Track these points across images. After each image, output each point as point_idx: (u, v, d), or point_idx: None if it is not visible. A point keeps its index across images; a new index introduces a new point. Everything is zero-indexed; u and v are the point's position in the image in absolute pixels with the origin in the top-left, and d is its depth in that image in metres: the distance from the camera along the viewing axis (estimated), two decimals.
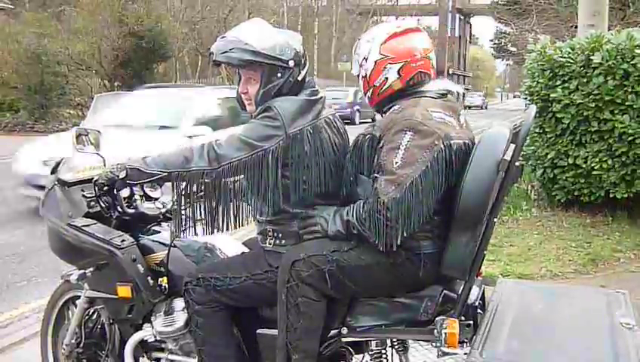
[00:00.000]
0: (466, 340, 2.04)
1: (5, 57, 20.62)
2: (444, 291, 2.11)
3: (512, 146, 2.01)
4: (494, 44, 46.01)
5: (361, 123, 23.58)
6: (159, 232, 2.72)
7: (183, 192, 2.23)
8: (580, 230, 6.37)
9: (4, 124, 19.97)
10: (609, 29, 7.57)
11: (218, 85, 27.64)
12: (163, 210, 2.81)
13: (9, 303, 4.81)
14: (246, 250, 2.58)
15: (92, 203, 2.69)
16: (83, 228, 2.56)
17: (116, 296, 2.55)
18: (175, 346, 2.56)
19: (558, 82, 6.53)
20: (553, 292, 2.57)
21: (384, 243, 1.98)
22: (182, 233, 2.32)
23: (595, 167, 6.35)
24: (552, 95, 6.52)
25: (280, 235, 2.28)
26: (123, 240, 2.52)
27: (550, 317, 2.10)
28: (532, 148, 7.05)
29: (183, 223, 2.30)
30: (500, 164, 1.94)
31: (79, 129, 2.76)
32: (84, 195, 2.72)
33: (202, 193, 2.24)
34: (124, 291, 2.51)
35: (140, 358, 2.69)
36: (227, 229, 2.35)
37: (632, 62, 6.05)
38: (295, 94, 2.27)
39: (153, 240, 2.66)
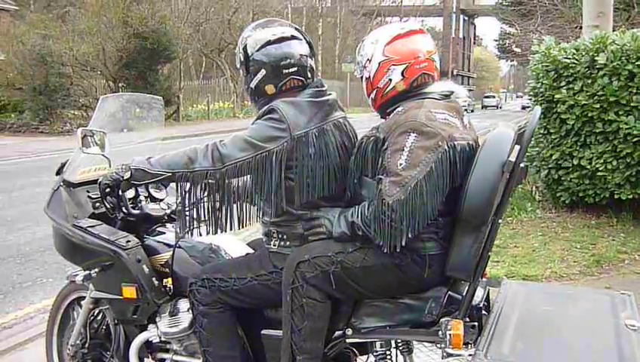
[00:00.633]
0: (470, 341, 2.03)
1: (10, 58, 20.73)
2: (449, 292, 2.10)
3: (517, 147, 2.01)
4: (498, 44, 45.88)
5: None
6: (164, 233, 2.73)
7: (187, 193, 2.23)
8: (584, 231, 6.35)
9: (9, 125, 20.06)
10: (614, 30, 7.55)
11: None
12: (168, 211, 2.82)
13: (14, 304, 4.83)
14: (250, 251, 2.59)
15: (97, 204, 2.70)
16: (88, 228, 2.57)
17: (121, 297, 2.56)
18: (180, 347, 2.56)
19: (563, 83, 6.52)
20: (558, 293, 2.56)
21: (389, 245, 1.98)
22: (186, 234, 2.32)
23: (600, 168, 6.33)
24: (556, 96, 6.51)
25: (284, 237, 2.28)
26: (128, 241, 2.53)
27: (555, 318, 2.09)
28: (536, 149, 7.04)
29: (188, 224, 2.30)
30: (505, 165, 1.93)
31: (85, 130, 2.77)
32: (89, 196, 2.73)
33: (206, 193, 2.24)
34: (129, 292, 2.52)
35: (145, 359, 2.70)
36: (231, 230, 2.36)
37: (636, 63, 6.03)
38: (297, 95, 2.27)
39: (158, 241, 2.67)
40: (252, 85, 2.33)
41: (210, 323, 2.32)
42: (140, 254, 2.54)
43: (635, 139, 6.09)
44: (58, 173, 2.80)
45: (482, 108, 53.14)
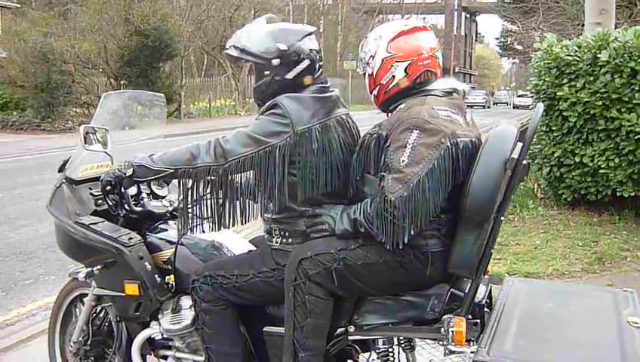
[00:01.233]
0: (472, 339, 2.03)
1: (12, 56, 20.73)
2: (451, 289, 2.10)
3: (520, 144, 2.01)
4: (500, 42, 45.83)
5: None
6: (166, 230, 2.73)
7: (190, 189, 2.23)
8: (586, 228, 6.34)
9: (11, 122, 20.07)
10: (616, 27, 7.53)
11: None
12: (170, 208, 2.83)
13: (16, 301, 4.84)
14: (253, 248, 2.58)
15: (99, 201, 2.71)
16: (90, 226, 2.58)
17: (123, 294, 2.56)
18: (182, 344, 2.57)
19: (565, 80, 6.50)
20: (560, 290, 2.56)
21: (391, 242, 1.98)
22: (188, 230, 2.32)
23: (602, 166, 6.32)
24: (558, 93, 6.50)
25: (286, 234, 2.28)
26: (130, 238, 2.54)
27: (557, 315, 2.09)
28: (539, 146, 7.03)
29: (190, 221, 2.30)
30: (508, 162, 1.93)
31: (87, 127, 2.77)
32: (91, 193, 2.73)
33: (209, 190, 2.24)
34: (131, 289, 2.52)
35: (147, 356, 2.71)
36: (233, 226, 2.36)
37: (639, 60, 6.01)
38: (293, 91, 2.25)
39: (160, 238, 2.67)
40: (289, 76, 2.28)
41: (213, 320, 2.32)
42: (143, 251, 2.54)
43: (638, 137, 6.07)
44: (60, 170, 2.81)
45: (494, 104, 53.42)
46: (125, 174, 2.29)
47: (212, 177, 2.20)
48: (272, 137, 2.15)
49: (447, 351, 2.06)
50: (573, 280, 4.88)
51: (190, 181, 2.22)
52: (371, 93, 2.27)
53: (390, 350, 2.23)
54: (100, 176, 2.45)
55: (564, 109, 6.52)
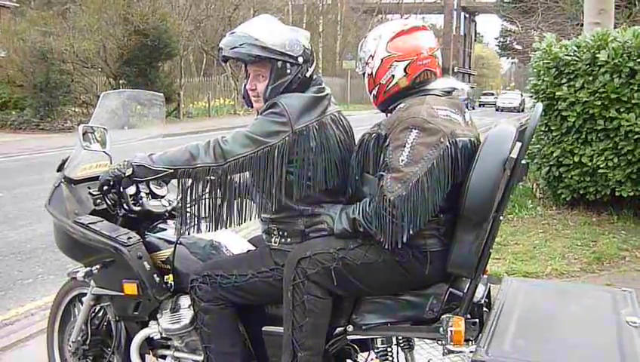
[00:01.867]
0: (471, 338, 2.03)
1: (11, 55, 20.68)
2: (450, 289, 2.10)
3: (519, 144, 2.01)
4: (499, 42, 45.80)
5: None
6: (165, 230, 2.73)
7: (189, 189, 2.23)
8: (585, 228, 6.35)
9: (10, 122, 20.03)
10: (615, 27, 7.53)
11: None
12: (169, 208, 2.82)
13: (15, 300, 4.84)
14: (252, 247, 2.58)
15: (98, 200, 2.70)
16: (89, 225, 2.57)
17: (122, 294, 2.56)
18: (181, 343, 2.57)
19: (564, 80, 6.51)
20: (559, 290, 2.56)
21: (390, 241, 1.98)
22: (187, 230, 2.32)
23: (601, 166, 6.33)
24: (557, 93, 6.50)
25: (285, 234, 2.28)
26: (129, 238, 2.53)
27: (556, 315, 2.09)
28: (537, 146, 7.04)
29: (188, 220, 2.30)
30: (507, 162, 1.93)
31: (86, 126, 2.77)
32: (90, 193, 2.73)
33: (208, 190, 2.24)
34: (130, 288, 2.52)
35: (146, 355, 2.71)
36: (231, 226, 2.36)
37: (638, 60, 6.02)
38: (302, 91, 2.26)
39: (159, 238, 2.67)
40: (308, 74, 2.30)
41: (211, 320, 2.32)
42: (141, 251, 2.54)
43: (637, 137, 6.08)
44: (59, 169, 2.81)
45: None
46: (124, 174, 2.29)
47: (211, 177, 2.20)
48: (271, 137, 2.16)
49: (445, 351, 2.06)
50: (572, 280, 4.88)
51: (189, 181, 2.22)
52: (370, 92, 2.27)
53: (389, 349, 2.24)
54: (98, 176, 2.45)
55: (563, 109, 6.52)
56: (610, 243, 5.78)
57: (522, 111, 39.62)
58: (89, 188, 2.75)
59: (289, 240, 2.27)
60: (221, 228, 2.34)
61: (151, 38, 21.70)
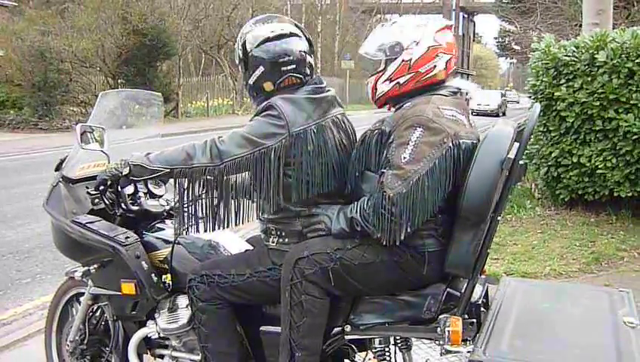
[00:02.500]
0: (469, 338, 2.03)
1: (9, 55, 20.62)
2: (448, 289, 2.10)
3: (516, 145, 2.01)
4: (498, 42, 45.86)
5: None
6: (163, 229, 2.73)
7: (186, 189, 2.23)
8: (583, 229, 6.36)
9: (8, 121, 19.99)
10: (613, 28, 7.54)
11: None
12: (167, 207, 2.82)
13: (13, 300, 4.83)
14: (250, 247, 2.58)
15: (96, 200, 2.70)
16: (87, 224, 2.57)
17: (120, 293, 2.56)
18: (178, 343, 2.57)
19: (563, 81, 6.52)
20: (557, 290, 2.57)
21: (388, 238, 1.98)
22: (185, 230, 2.32)
23: (599, 166, 6.34)
24: (556, 94, 6.51)
25: (283, 234, 2.28)
26: (127, 237, 2.53)
27: (553, 315, 2.10)
28: (536, 146, 7.04)
29: (186, 220, 2.30)
30: (504, 162, 1.93)
31: (83, 126, 2.77)
32: (88, 192, 2.73)
33: (204, 190, 2.24)
34: (127, 288, 2.52)
35: (144, 355, 2.70)
36: (229, 226, 2.36)
37: (636, 61, 6.03)
38: (292, 92, 2.26)
39: (157, 238, 2.67)
40: (250, 81, 2.32)
41: (209, 320, 2.32)
42: (139, 250, 2.54)
43: (635, 137, 6.10)
44: (57, 169, 2.80)
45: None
46: (122, 173, 2.29)
47: (208, 177, 2.20)
48: (268, 139, 2.16)
49: (443, 351, 2.06)
50: (570, 280, 4.89)
51: (186, 181, 2.23)
52: (394, 80, 2.17)
53: (387, 349, 2.24)
54: (96, 175, 2.44)
55: (561, 110, 6.53)
56: (608, 243, 5.80)
57: (503, 115, 32.23)
58: (87, 187, 2.75)
59: (287, 240, 2.27)
60: (219, 228, 2.34)
61: (149, 38, 21.67)
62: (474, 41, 75.39)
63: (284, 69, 2.27)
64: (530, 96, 7.16)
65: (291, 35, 2.31)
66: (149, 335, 2.60)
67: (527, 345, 1.86)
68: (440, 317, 2.05)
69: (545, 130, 6.83)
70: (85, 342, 2.85)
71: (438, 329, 2.03)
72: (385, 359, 2.23)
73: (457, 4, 62.97)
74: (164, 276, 2.56)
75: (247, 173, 2.26)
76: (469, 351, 1.93)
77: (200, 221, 2.31)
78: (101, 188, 2.40)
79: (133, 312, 2.59)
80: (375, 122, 2.18)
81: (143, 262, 2.52)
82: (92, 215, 2.68)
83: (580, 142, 6.54)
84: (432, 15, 61.13)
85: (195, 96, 28.78)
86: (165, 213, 2.82)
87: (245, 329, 2.43)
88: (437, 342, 2.08)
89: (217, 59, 31.06)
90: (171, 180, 2.31)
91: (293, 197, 2.20)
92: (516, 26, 22.29)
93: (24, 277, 5.37)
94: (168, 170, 2.22)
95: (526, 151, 7.51)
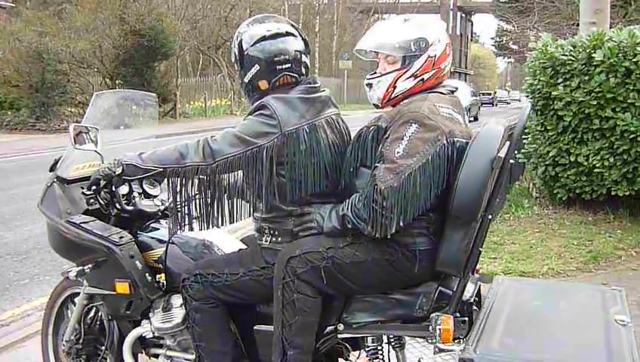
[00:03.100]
0: (461, 336, 2.04)
1: (6, 55, 20.62)
2: (440, 288, 2.11)
3: (507, 144, 2.01)
4: (496, 41, 45.97)
5: None
6: (158, 229, 2.73)
7: (179, 188, 2.24)
8: (581, 228, 6.36)
9: (6, 122, 19.99)
10: (611, 27, 7.54)
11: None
12: (162, 207, 2.82)
13: (11, 301, 4.82)
14: (244, 247, 2.58)
15: (91, 200, 2.70)
16: (81, 225, 2.58)
17: (114, 293, 2.56)
18: (173, 342, 2.57)
19: (560, 80, 6.51)
20: (549, 289, 2.58)
21: (378, 232, 1.98)
22: (178, 229, 2.33)
23: (597, 165, 6.34)
24: (553, 93, 6.51)
25: (276, 233, 2.29)
26: (121, 237, 2.54)
27: (545, 313, 2.10)
28: (534, 146, 7.04)
29: (180, 219, 2.31)
30: (495, 161, 1.94)
31: (77, 126, 2.77)
32: (83, 193, 2.73)
33: (197, 189, 2.25)
34: (122, 287, 2.52)
35: (139, 354, 2.71)
36: (223, 225, 2.37)
37: (633, 60, 6.03)
38: (286, 92, 2.27)
39: (151, 237, 2.68)
40: (245, 80, 2.33)
41: (203, 319, 2.33)
42: (133, 250, 2.54)
43: (632, 136, 6.10)
44: (51, 169, 2.81)
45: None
46: (115, 173, 2.29)
47: (200, 176, 2.21)
48: (260, 138, 2.17)
49: (436, 350, 2.07)
50: (568, 279, 4.89)
51: (178, 180, 2.23)
52: (418, 77, 2.16)
53: (379, 348, 2.24)
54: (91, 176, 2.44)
55: (559, 109, 6.53)
56: (606, 242, 5.80)
57: (475, 120, 26.16)
58: (82, 188, 2.75)
59: (280, 239, 2.27)
60: (212, 228, 2.35)
61: (147, 38, 21.68)
62: (471, 40, 75.39)
63: (279, 67, 2.27)
64: (527, 96, 7.16)
65: (287, 34, 2.32)
66: (143, 335, 2.60)
67: (518, 342, 1.86)
68: (432, 315, 2.05)
69: (542, 129, 6.83)
70: (81, 341, 2.84)
71: (430, 327, 2.04)
72: (378, 357, 2.24)
73: (455, 4, 62.99)
74: (158, 276, 2.57)
75: (240, 172, 2.26)
76: (461, 350, 1.93)
77: (194, 220, 2.31)
78: (94, 188, 2.40)
79: (128, 312, 2.59)
80: (372, 118, 2.18)
81: (137, 262, 2.52)
82: (87, 215, 2.68)
83: (577, 142, 6.54)
84: (430, 15, 61.20)
85: (193, 96, 28.78)
86: (160, 213, 2.82)
87: (239, 328, 2.43)
88: (429, 341, 2.08)
89: (215, 59, 31.07)
90: (165, 180, 2.31)
91: (286, 196, 2.21)
92: (514, 26, 22.32)
93: (22, 278, 5.37)
94: (161, 170, 2.22)
95: (524, 150, 7.56)
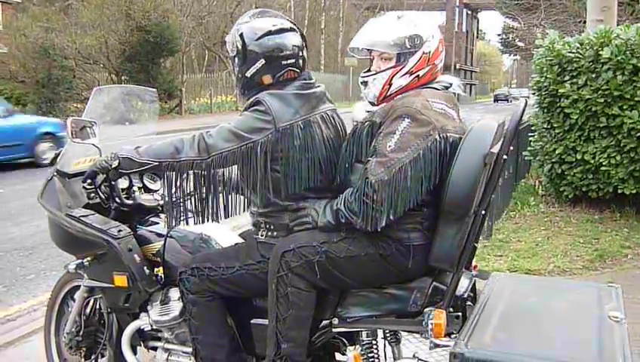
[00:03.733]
0: (455, 332, 2.04)
1: (13, 51, 20.70)
2: (434, 283, 2.11)
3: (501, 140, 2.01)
4: (502, 39, 45.75)
5: None
6: (157, 223, 2.76)
7: (174, 182, 2.26)
8: (587, 226, 6.33)
9: None
10: (618, 24, 7.51)
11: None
12: (161, 202, 2.84)
13: (18, 296, 4.86)
14: (241, 241, 2.60)
15: (92, 194, 2.73)
16: (81, 218, 2.61)
17: (113, 285, 2.59)
18: (171, 335, 2.60)
19: (567, 77, 6.47)
20: (546, 285, 2.56)
21: (369, 225, 1.99)
22: (175, 223, 2.36)
23: (604, 163, 6.31)
24: (560, 90, 6.48)
25: (272, 227, 2.30)
26: (120, 231, 2.56)
27: (540, 309, 2.10)
28: (540, 143, 7.02)
29: (175, 213, 2.33)
30: (487, 156, 1.94)
31: (75, 119, 2.80)
32: (84, 187, 2.76)
33: (193, 183, 2.27)
34: (120, 280, 2.55)
35: (138, 347, 2.74)
36: (218, 219, 2.39)
37: None
38: (280, 88, 2.27)
39: (150, 231, 2.71)
40: (248, 74, 2.32)
41: (199, 312, 2.35)
42: (132, 243, 2.56)
43: (639, 134, 6.07)
44: (52, 163, 2.83)
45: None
46: (111, 166, 2.31)
47: (195, 171, 2.23)
48: (254, 133, 2.18)
49: (432, 345, 2.06)
50: (574, 278, 4.88)
51: (174, 174, 2.25)
52: (413, 73, 2.16)
53: (374, 342, 2.25)
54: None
55: (565, 106, 6.50)
56: (612, 240, 5.77)
57: None
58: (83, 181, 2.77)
59: (275, 233, 2.29)
60: (208, 222, 2.36)
61: (153, 35, 21.72)
62: (477, 37, 75.16)
63: (284, 62, 2.28)
64: (534, 93, 7.14)
65: (290, 29, 2.33)
66: (142, 328, 2.63)
67: (510, 337, 1.86)
68: (425, 310, 2.06)
69: (549, 126, 6.80)
70: (80, 333, 2.88)
71: (424, 322, 2.04)
72: (372, 352, 2.24)
73: (461, 1, 62.80)
74: (156, 269, 2.59)
75: (235, 167, 2.28)
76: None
77: (190, 214, 2.33)
78: (88, 181, 2.43)
79: (126, 304, 2.62)
80: (365, 115, 2.18)
81: (136, 255, 2.55)
82: (88, 209, 2.70)
83: (584, 139, 6.50)
84: (435, 12, 61.04)
85: (199, 92, 28.83)
86: (160, 208, 2.85)
87: (236, 321, 2.45)
88: (423, 335, 2.08)
89: (221, 55, 31.08)
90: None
91: (281, 191, 2.22)
92: (520, 23, 22.23)
93: (28, 273, 5.41)
94: (156, 164, 2.24)
95: (530, 147, 7.55)
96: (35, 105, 20.09)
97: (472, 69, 69.56)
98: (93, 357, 2.88)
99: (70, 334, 2.89)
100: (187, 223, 2.36)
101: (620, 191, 6.39)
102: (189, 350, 2.50)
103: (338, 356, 2.43)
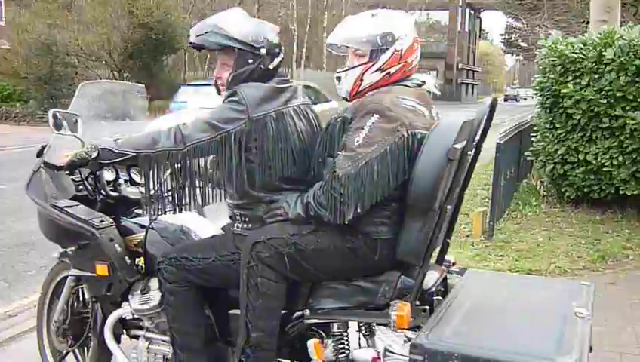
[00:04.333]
0: (422, 325, 2.05)
1: (15, 47, 20.73)
2: (402, 276, 2.14)
3: (478, 136, 2.04)
4: (504, 39, 45.75)
5: None
6: (140, 215, 2.79)
7: (150, 173, 2.29)
8: (589, 226, 6.32)
9: (14, 114, 20.13)
10: (621, 25, 7.49)
11: None
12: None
13: (19, 292, 4.87)
14: (221, 233, 2.64)
15: (80, 186, 2.79)
16: (65, 208, 2.65)
17: (95, 274, 2.63)
18: (151, 324, 2.64)
19: (570, 78, 6.46)
20: (519, 282, 2.60)
21: (336, 219, 2.02)
22: (152, 213, 2.39)
23: (606, 164, 6.30)
24: (563, 91, 6.46)
25: (247, 219, 2.34)
26: (102, 221, 2.61)
27: (507, 305, 2.13)
28: (542, 143, 7.00)
29: (151, 203, 2.37)
30: (449, 152, 1.95)
31: (57, 111, 2.84)
32: (72, 179, 2.80)
33: (169, 174, 2.31)
34: (101, 269, 2.60)
35: (121, 335, 2.78)
36: (193, 209, 2.44)
37: None
38: (265, 82, 2.32)
39: (134, 223, 2.75)
40: (271, 66, 2.36)
41: (176, 300, 2.39)
42: (113, 233, 2.61)
43: None
44: (38, 155, 2.85)
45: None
46: (90, 156, 2.35)
47: (171, 161, 2.26)
48: (228, 123, 2.22)
49: (405, 339, 2.09)
50: (575, 278, 4.87)
51: (150, 165, 2.28)
52: (385, 69, 2.18)
53: (345, 334, 2.27)
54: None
55: (568, 107, 6.48)
56: (614, 241, 5.76)
57: None
58: (63, 171, 2.79)
59: (250, 225, 2.33)
60: (183, 211, 2.41)
61: (155, 32, 21.74)
62: (480, 37, 75.04)
63: (277, 59, 2.37)
64: (536, 93, 7.13)
65: (272, 27, 2.42)
66: (124, 316, 2.68)
67: (471, 331, 1.88)
68: (391, 302, 2.09)
69: (551, 127, 6.79)
70: (67, 322, 2.93)
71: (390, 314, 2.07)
72: (343, 343, 2.26)
73: (464, 1, 62.70)
74: (137, 259, 2.64)
75: (211, 157, 2.32)
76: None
77: (167, 204, 2.37)
78: (67, 171, 2.49)
79: (108, 293, 2.66)
80: (339, 111, 2.22)
81: (117, 245, 2.59)
82: (75, 201, 2.74)
83: (586, 140, 6.49)
84: (437, 11, 61.00)
85: None
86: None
87: (215, 312, 2.49)
88: (389, 327, 2.12)
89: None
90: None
91: (255, 181, 2.26)
92: (523, 23, 22.21)
93: (29, 269, 5.42)
94: (134, 154, 2.28)
95: (532, 148, 7.54)
96: (37, 101, 20.14)
97: (474, 68, 69.39)
98: (77, 344, 2.93)
99: (57, 322, 2.95)
100: (164, 213, 2.40)
101: (621, 192, 6.38)
102: (169, 339, 2.53)
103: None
